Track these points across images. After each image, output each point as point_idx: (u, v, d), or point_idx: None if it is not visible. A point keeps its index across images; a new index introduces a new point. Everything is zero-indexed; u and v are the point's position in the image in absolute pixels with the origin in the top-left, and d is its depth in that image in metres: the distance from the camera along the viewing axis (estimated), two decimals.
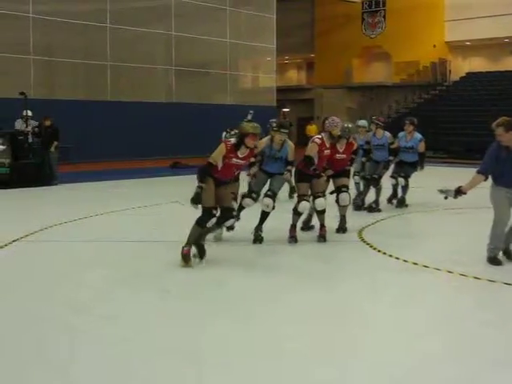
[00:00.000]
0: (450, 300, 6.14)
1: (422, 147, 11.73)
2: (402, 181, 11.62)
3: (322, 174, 8.61)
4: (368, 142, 11.43)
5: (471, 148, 26.98)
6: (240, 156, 7.30)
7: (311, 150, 8.45)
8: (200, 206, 7.07)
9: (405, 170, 11.68)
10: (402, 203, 11.80)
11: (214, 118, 22.23)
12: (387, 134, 11.71)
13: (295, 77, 45.62)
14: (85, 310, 5.65)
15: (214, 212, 7.15)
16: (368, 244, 8.52)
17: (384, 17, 38.40)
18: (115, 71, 24.56)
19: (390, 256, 7.75)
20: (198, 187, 7.02)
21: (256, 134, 7.27)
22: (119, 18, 24.49)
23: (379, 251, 8.06)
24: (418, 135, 11.78)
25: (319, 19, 40.34)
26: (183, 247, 7.12)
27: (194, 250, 7.27)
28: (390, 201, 12.05)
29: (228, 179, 7.44)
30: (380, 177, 11.48)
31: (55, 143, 16.13)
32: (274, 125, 8.87)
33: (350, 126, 9.08)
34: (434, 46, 36.64)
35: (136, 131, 23.60)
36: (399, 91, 35.90)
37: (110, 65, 24.45)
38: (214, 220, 7.17)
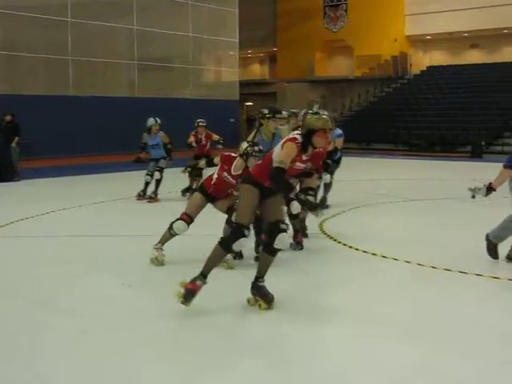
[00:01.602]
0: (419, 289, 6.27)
1: (339, 143, 10.64)
2: (327, 178, 10.36)
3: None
4: None
5: (432, 141, 27.44)
6: (304, 158, 5.58)
7: (288, 154, 5.52)
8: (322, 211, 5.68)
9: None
10: (323, 203, 10.69)
11: (177, 113, 22.25)
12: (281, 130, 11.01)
13: (258, 71, 45.70)
14: (47, 304, 5.68)
15: (247, 232, 5.51)
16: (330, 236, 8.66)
17: (346, 11, 38.66)
18: (77, 66, 24.38)
19: (357, 249, 7.82)
20: (293, 195, 5.66)
21: (328, 129, 5.54)
22: (81, 12, 24.31)
23: (340, 243, 8.18)
24: (338, 130, 10.64)
25: (281, 13, 40.47)
26: (192, 281, 5.41)
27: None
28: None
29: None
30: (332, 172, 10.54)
31: (16, 139, 16.03)
32: (266, 111, 7.50)
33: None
34: (395, 39, 37.03)
35: (98, 126, 23.50)
36: (361, 85, 36.21)
37: (71, 59, 24.26)
38: (242, 242, 5.57)
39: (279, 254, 5.74)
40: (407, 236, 8.82)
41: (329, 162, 8.93)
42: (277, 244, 5.44)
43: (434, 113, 30.01)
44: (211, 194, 7.00)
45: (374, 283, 6.43)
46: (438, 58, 37.55)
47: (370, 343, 4.74)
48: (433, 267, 6.87)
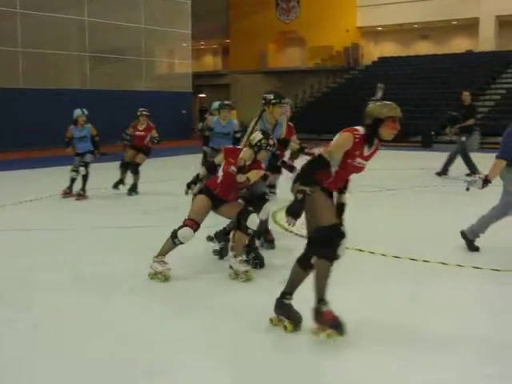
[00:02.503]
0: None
1: (283, 133, 10.42)
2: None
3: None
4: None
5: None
6: (365, 154, 4.74)
7: (340, 144, 4.69)
8: (297, 220, 4.63)
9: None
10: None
11: (130, 105, 22.08)
12: (234, 121, 10.47)
13: (211, 62, 45.64)
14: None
15: (343, 229, 4.69)
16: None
17: (298, 2, 38.84)
18: (27, 58, 24.02)
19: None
20: (300, 192, 4.58)
21: (398, 118, 4.68)
22: (30, 3, 23.94)
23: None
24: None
25: (234, 4, 40.45)
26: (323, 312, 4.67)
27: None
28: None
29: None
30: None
31: None
32: (272, 97, 6.87)
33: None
34: (347, 31, 37.39)
35: (51, 119, 23.22)
36: (314, 76, 36.46)
37: (21, 51, 23.90)
38: (343, 245, 4.65)
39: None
40: (374, 228, 8.87)
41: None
42: (340, 251, 4.62)
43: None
44: (218, 195, 6.30)
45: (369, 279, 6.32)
46: (389, 49, 38.03)
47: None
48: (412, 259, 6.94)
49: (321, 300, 4.64)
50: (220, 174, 6.33)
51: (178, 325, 5.02)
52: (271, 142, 6.27)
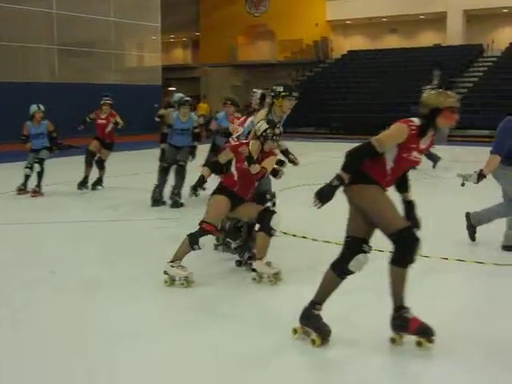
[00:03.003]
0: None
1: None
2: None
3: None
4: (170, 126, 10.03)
5: (352, 124, 28.00)
6: (422, 147, 4.40)
7: (393, 135, 4.39)
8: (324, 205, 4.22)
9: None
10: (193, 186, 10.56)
11: (99, 98, 21.91)
12: (194, 116, 10.27)
13: (181, 55, 45.46)
14: None
15: (367, 248, 4.39)
16: None
17: None
18: None
19: (304, 237, 7.76)
20: (338, 178, 4.20)
21: (457, 107, 4.39)
22: None
23: (286, 233, 7.90)
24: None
25: None
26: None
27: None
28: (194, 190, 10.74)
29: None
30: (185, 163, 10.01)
31: None
32: (281, 89, 6.57)
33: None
34: (316, 24, 37.53)
35: (18, 112, 22.95)
36: (283, 69, 36.53)
37: None
38: (366, 257, 4.37)
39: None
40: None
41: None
42: (416, 255, 4.29)
43: (355, 96, 30.60)
44: (238, 193, 6.01)
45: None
46: (358, 42, 38.24)
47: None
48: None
49: (402, 307, 4.35)
50: (234, 172, 6.02)
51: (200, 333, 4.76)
52: (277, 131, 6.02)
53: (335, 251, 4.50)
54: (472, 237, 7.32)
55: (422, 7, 34.73)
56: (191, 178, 9.85)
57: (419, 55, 32.83)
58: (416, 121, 4.35)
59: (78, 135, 12.04)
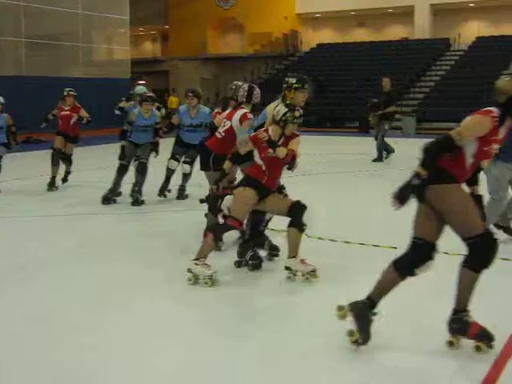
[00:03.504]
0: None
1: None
2: (186, 168, 9.49)
3: None
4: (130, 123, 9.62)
5: (322, 117, 28.16)
6: (500, 137, 4.11)
7: (476, 129, 4.15)
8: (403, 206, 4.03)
9: (190, 153, 9.48)
10: (182, 193, 9.93)
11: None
12: (156, 112, 9.85)
13: (150, 49, 45.28)
14: None
15: (434, 255, 4.15)
16: None
17: None
18: None
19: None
20: (416, 176, 3.98)
21: None
22: None
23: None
24: (206, 109, 9.69)
25: None
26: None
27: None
28: (162, 192, 9.87)
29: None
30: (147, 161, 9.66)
31: None
32: (294, 81, 6.24)
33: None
34: (286, 17, 37.61)
35: None
36: (253, 62, 36.57)
37: None
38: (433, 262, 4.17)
39: None
40: (320, 212, 8.95)
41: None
42: (491, 260, 4.06)
43: (324, 89, 30.75)
44: (266, 184, 5.74)
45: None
46: (328, 35, 38.43)
47: None
48: (361, 244, 7.03)
49: (463, 310, 4.14)
50: (259, 162, 5.73)
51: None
52: (297, 113, 5.73)
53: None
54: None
55: (389, 1, 35.09)
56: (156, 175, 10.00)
57: (387, 48, 33.13)
58: (495, 110, 4.06)
59: (45, 130, 11.87)
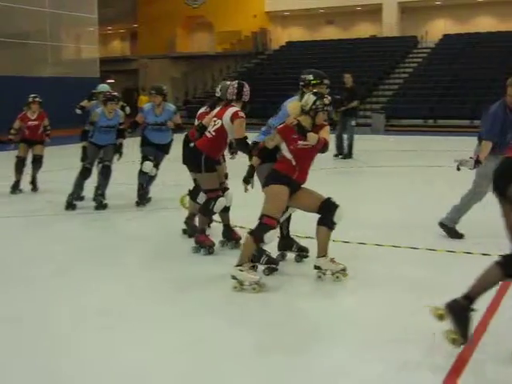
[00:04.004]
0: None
1: (178, 119, 9.21)
2: (147, 165, 9.11)
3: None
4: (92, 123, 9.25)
5: None
6: None
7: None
8: None
9: (158, 154, 9.25)
10: (140, 193, 9.38)
11: (35, 92, 21.53)
12: (120, 111, 9.43)
13: (119, 47, 45.04)
14: None
15: None
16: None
17: None
18: None
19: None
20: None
21: None
22: None
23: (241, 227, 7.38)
24: (172, 106, 9.31)
25: None
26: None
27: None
28: (142, 200, 9.36)
29: None
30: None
31: None
32: (311, 77, 6.14)
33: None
34: (255, 15, 37.66)
35: None
36: (222, 60, 36.58)
37: None
38: None
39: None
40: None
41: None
42: None
43: (294, 87, 30.80)
44: (297, 179, 5.61)
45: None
46: (297, 33, 38.57)
47: None
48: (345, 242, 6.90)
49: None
50: (289, 156, 5.55)
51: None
52: (326, 100, 5.60)
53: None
54: (458, 236, 7.19)
55: None
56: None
57: (356, 46, 33.34)
58: None
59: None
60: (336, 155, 15.01)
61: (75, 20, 28.98)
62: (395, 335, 4.40)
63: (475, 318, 4.10)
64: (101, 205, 9.08)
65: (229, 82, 6.82)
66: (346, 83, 15.45)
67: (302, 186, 5.68)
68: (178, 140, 8.53)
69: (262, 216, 5.43)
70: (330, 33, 37.30)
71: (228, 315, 4.97)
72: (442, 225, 7.25)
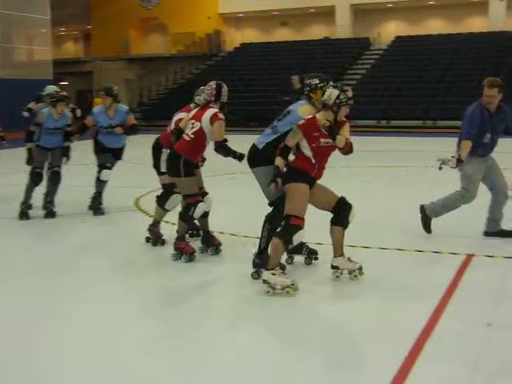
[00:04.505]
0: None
1: (132, 120, 8.90)
2: (106, 173, 8.78)
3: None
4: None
5: (247, 116, 28.38)
6: None
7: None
8: None
9: (111, 159, 8.92)
10: (96, 202, 8.94)
11: None
12: (68, 113, 8.96)
13: (73, 49, 44.57)
14: None
15: None
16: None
17: None
18: None
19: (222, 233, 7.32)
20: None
21: None
22: None
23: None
24: (124, 107, 8.96)
25: None
26: None
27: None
28: (97, 209, 8.91)
29: None
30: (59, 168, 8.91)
31: None
32: (317, 81, 5.86)
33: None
34: (209, 17, 37.69)
35: None
36: (177, 62, 36.50)
37: None
38: None
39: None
40: (243, 210, 8.96)
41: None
42: None
43: (248, 89, 30.97)
44: (315, 176, 5.58)
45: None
46: (251, 35, 38.72)
47: None
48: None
49: None
50: (308, 153, 5.48)
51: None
52: (350, 94, 5.48)
53: None
54: (428, 229, 7.29)
55: (311, 1, 35.63)
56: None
57: (309, 48, 33.62)
58: None
59: None
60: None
61: (27, 21, 28.63)
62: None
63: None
64: (50, 213, 8.72)
65: (203, 87, 6.67)
66: (293, 85, 15.45)
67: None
68: (135, 142, 8.53)
69: (288, 216, 5.32)
70: (284, 34, 37.54)
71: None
72: (422, 209, 7.29)
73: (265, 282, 5.30)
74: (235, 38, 38.42)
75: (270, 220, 5.76)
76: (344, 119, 5.56)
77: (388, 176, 12.77)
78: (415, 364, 3.96)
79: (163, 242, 7.05)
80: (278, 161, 5.47)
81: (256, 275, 5.70)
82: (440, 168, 6.76)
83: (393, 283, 5.68)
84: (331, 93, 5.45)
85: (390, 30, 35.26)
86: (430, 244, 6.90)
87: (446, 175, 7.59)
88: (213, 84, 6.39)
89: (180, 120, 6.63)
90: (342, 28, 35.23)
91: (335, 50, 33.21)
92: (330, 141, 5.42)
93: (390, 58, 31.46)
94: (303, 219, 5.34)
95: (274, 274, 5.27)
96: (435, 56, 29.44)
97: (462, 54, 29.55)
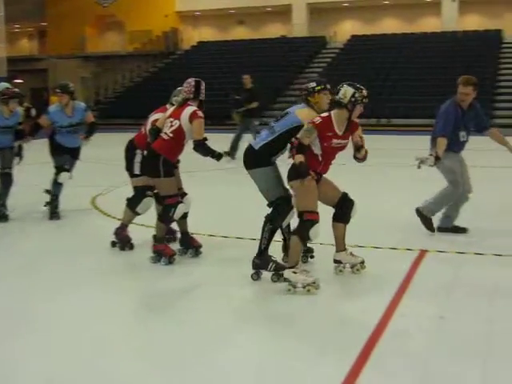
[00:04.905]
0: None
1: (90, 117, 8.61)
2: (64, 176, 8.40)
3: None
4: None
5: (204, 114, 28.37)
6: None
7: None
8: None
9: (69, 160, 8.54)
10: (53, 206, 8.53)
11: None
12: (19, 111, 8.54)
13: (27, 46, 43.96)
14: None
15: None
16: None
17: None
18: None
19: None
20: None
21: None
22: None
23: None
24: (81, 104, 8.60)
25: None
26: None
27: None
28: (54, 213, 8.49)
29: None
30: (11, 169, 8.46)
31: None
32: (314, 84, 5.75)
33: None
34: (166, 15, 37.57)
35: None
36: (133, 60, 36.32)
37: None
38: None
39: None
40: (219, 210, 8.99)
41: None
42: None
43: (205, 87, 30.92)
44: (320, 171, 5.58)
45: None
46: (208, 33, 38.72)
47: None
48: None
49: None
50: (317, 153, 5.45)
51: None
52: (365, 92, 5.43)
53: None
54: (431, 228, 7.36)
55: (267, 0, 35.81)
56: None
57: (266, 46, 33.76)
58: None
59: None
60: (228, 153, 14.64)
61: None
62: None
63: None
64: (3, 216, 8.30)
65: (180, 88, 6.53)
66: (245, 84, 15.45)
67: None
68: (92, 141, 8.43)
69: (302, 213, 5.32)
70: (240, 33, 37.66)
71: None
72: (418, 212, 7.37)
73: (286, 279, 5.29)
74: (192, 36, 38.36)
75: (270, 220, 5.68)
76: (356, 120, 5.53)
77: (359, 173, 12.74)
78: (369, 359, 4.05)
79: (132, 247, 6.75)
80: (300, 157, 5.29)
81: (256, 276, 5.65)
82: (419, 167, 6.79)
83: (347, 279, 5.77)
84: (346, 91, 5.37)
85: (346, 29, 35.65)
86: (387, 241, 7.00)
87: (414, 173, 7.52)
88: (191, 81, 6.32)
89: (156, 120, 6.45)
90: (299, 27, 35.46)
91: (292, 49, 33.41)
92: (343, 142, 5.47)
93: (345, 57, 31.76)
94: (317, 213, 5.34)
95: (295, 272, 5.26)
96: (389, 55, 29.86)
97: (413, 53, 30.00)
